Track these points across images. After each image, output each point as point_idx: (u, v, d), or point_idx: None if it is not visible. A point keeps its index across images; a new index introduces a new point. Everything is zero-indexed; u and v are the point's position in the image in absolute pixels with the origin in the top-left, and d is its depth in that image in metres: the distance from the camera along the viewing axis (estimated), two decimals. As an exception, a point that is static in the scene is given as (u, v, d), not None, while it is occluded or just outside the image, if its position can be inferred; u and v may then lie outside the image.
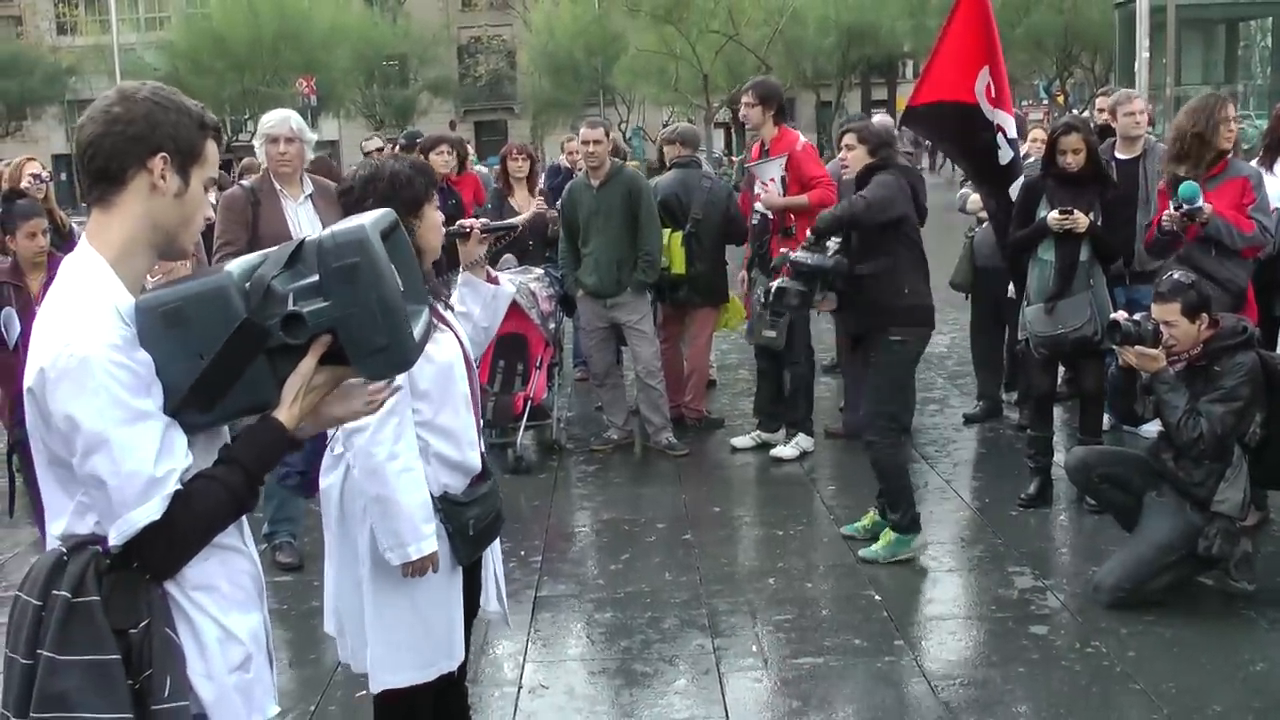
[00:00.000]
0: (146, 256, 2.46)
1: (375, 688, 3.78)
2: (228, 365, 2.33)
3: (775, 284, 6.41)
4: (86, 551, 2.33)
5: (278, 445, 2.45)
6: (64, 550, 2.36)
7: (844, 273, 6.22)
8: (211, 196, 10.46)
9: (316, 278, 2.38)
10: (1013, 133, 7.33)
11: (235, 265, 2.44)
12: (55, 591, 2.30)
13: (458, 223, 4.12)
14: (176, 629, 2.40)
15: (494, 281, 4.11)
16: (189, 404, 2.36)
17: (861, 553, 6.29)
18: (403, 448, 3.57)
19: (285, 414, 2.42)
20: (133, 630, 2.31)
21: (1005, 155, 7.35)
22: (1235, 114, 6.84)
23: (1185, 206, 6.41)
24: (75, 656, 2.27)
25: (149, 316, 2.34)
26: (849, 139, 6.42)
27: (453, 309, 3.93)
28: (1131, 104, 7.94)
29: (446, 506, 3.69)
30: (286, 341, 2.36)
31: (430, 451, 3.68)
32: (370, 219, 2.51)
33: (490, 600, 4.06)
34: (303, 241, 2.45)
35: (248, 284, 2.37)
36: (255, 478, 2.43)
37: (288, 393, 2.42)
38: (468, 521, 3.70)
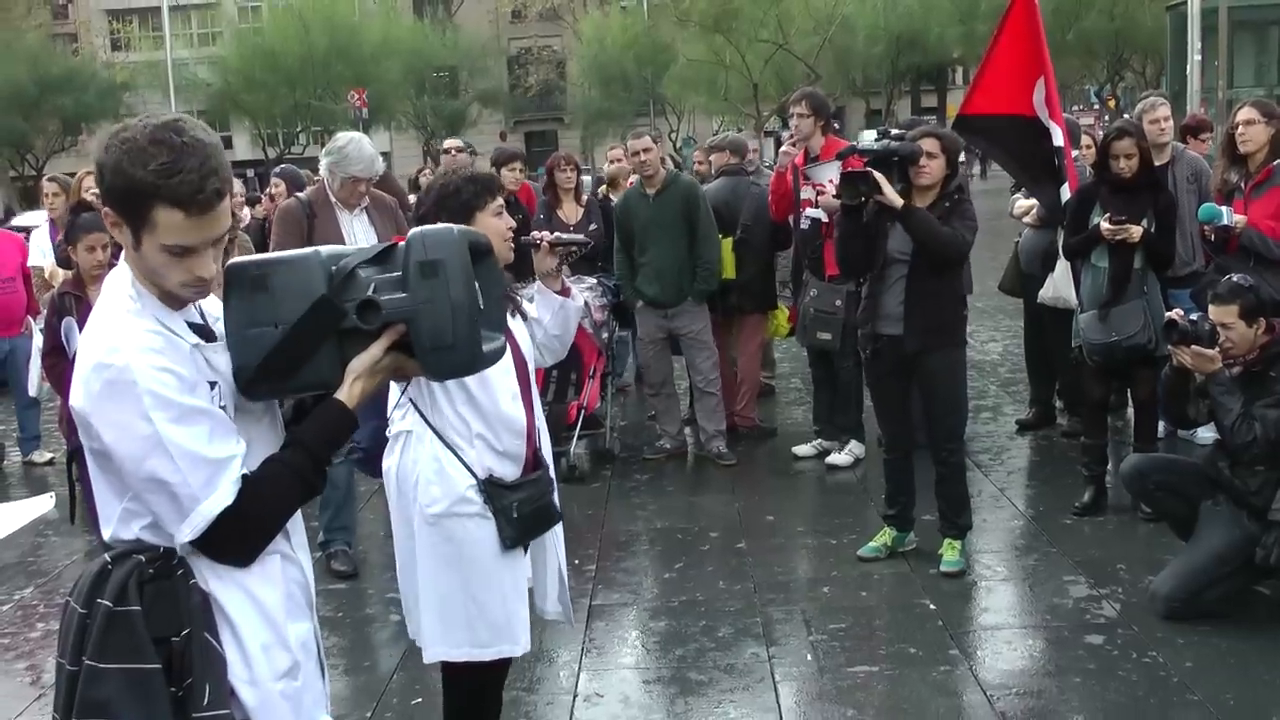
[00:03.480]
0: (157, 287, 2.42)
1: (428, 658, 3.95)
2: (301, 340, 2.40)
3: (845, 171, 6.13)
4: (130, 561, 2.36)
5: (342, 426, 2.48)
6: (109, 559, 2.39)
7: (916, 158, 5.99)
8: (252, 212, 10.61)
9: (399, 273, 2.44)
10: (1059, 141, 7.25)
11: (326, 249, 2.53)
12: (98, 600, 2.34)
13: (530, 234, 4.25)
14: (219, 636, 2.42)
15: (566, 293, 4.23)
16: (260, 378, 2.43)
17: (943, 568, 6.19)
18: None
19: (347, 394, 2.46)
20: (174, 639, 2.34)
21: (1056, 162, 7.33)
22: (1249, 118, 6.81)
23: (1210, 227, 6.47)
24: (116, 665, 2.30)
25: (239, 279, 2.44)
26: (930, 145, 6.07)
27: (524, 315, 4.08)
28: (1156, 111, 7.87)
29: (491, 488, 3.80)
30: (359, 325, 2.42)
31: (473, 433, 3.81)
32: (461, 228, 2.59)
33: (549, 600, 4.15)
34: (395, 244, 2.52)
35: (334, 267, 2.45)
36: (321, 459, 2.47)
37: (351, 374, 2.45)
38: (511, 504, 3.81)
